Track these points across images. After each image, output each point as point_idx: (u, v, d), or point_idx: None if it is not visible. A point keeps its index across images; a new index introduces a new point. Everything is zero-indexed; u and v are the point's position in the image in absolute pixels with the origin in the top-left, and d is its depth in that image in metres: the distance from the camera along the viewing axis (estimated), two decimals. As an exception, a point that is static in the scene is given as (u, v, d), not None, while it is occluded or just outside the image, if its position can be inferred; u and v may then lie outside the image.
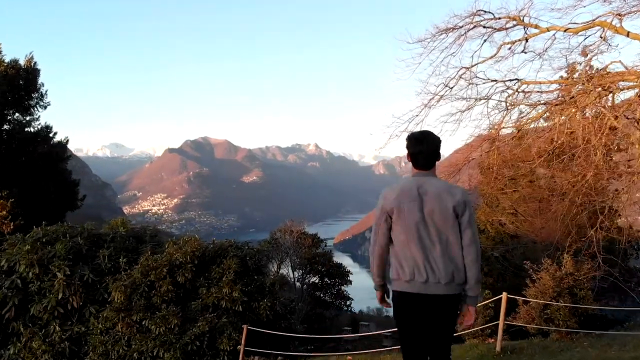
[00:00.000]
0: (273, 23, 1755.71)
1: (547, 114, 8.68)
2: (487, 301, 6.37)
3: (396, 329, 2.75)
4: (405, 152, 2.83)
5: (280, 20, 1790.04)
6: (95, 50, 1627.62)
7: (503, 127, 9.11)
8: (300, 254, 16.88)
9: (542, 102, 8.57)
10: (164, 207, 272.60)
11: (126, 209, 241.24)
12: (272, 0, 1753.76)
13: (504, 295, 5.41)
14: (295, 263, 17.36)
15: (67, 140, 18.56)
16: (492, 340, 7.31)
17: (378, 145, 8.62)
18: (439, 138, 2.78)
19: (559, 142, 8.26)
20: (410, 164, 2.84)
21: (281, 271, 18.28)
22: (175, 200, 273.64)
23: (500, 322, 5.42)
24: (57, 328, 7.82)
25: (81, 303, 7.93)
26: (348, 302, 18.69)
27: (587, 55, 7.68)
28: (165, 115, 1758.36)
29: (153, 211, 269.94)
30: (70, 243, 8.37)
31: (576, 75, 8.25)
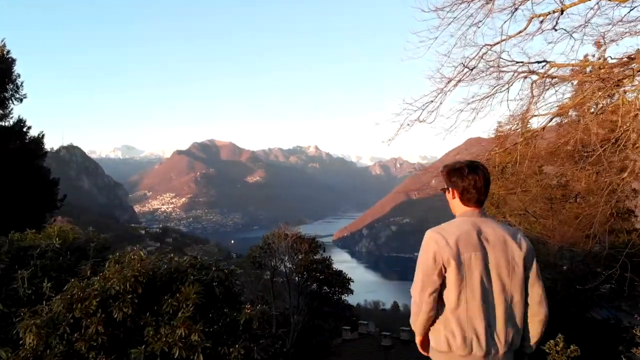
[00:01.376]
0: (273, 31, 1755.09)
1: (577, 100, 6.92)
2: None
3: None
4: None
5: (280, 28, 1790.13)
6: (105, 57, 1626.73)
7: (534, 116, 7.17)
8: (296, 261, 14.40)
9: (585, 80, 6.46)
10: (172, 205, 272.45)
11: (137, 208, 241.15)
12: (273, 4, 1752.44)
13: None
14: (291, 271, 14.86)
15: (42, 136, 15.95)
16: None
17: (386, 137, 6.56)
18: None
19: (625, 128, 6.18)
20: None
21: (277, 276, 15.92)
22: (183, 199, 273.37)
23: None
24: (-46, 379, 5.31)
25: (-13, 345, 5.40)
26: (348, 314, 16.17)
27: (601, 46, 6.04)
28: (173, 119, 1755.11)
29: (162, 210, 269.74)
30: (-20, 261, 5.82)
31: (588, 70, 6.61)
